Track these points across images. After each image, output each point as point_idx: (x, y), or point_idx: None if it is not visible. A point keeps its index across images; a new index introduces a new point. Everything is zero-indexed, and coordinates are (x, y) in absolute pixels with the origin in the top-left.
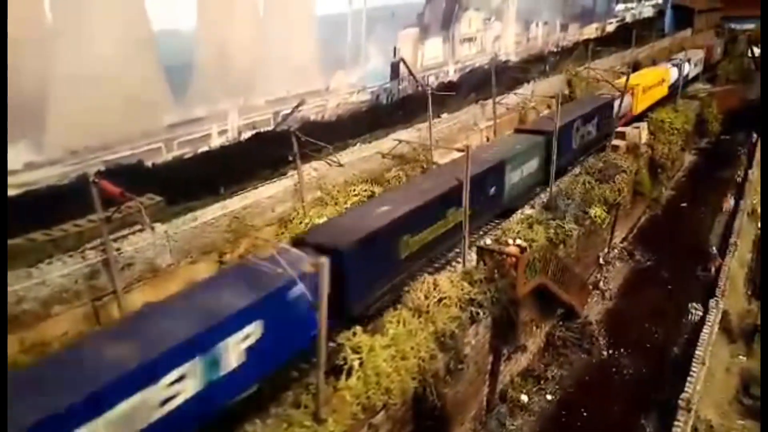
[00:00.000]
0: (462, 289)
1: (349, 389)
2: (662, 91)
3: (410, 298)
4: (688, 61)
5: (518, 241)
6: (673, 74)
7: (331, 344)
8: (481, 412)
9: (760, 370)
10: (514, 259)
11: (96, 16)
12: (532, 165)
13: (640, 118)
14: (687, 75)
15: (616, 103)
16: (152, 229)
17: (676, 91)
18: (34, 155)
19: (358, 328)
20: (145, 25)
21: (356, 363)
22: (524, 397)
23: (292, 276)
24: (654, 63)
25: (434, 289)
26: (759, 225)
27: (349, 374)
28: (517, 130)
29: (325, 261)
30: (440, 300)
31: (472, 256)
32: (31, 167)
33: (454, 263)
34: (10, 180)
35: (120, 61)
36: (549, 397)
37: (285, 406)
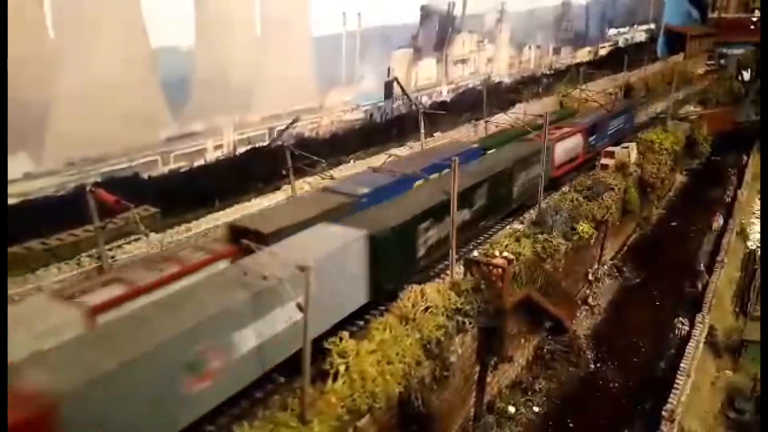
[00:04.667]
0: (449, 299)
1: (334, 392)
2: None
3: (397, 306)
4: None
5: (505, 254)
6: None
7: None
8: (469, 422)
9: (761, 373)
10: (500, 270)
11: (97, 33)
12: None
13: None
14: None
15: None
16: (147, 236)
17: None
18: (33, 166)
19: (345, 334)
20: (144, 42)
21: (342, 367)
22: (512, 409)
23: None
24: (647, 87)
25: (421, 297)
26: (750, 241)
27: (335, 378)
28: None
29: (311, 267)
30: (427, 308)
31: (460, 268)
32: (30, 177)
33: (442, 275)
34: (10, 189)
35: (119, 76)
36: (536, 408)
37: (272, 408)
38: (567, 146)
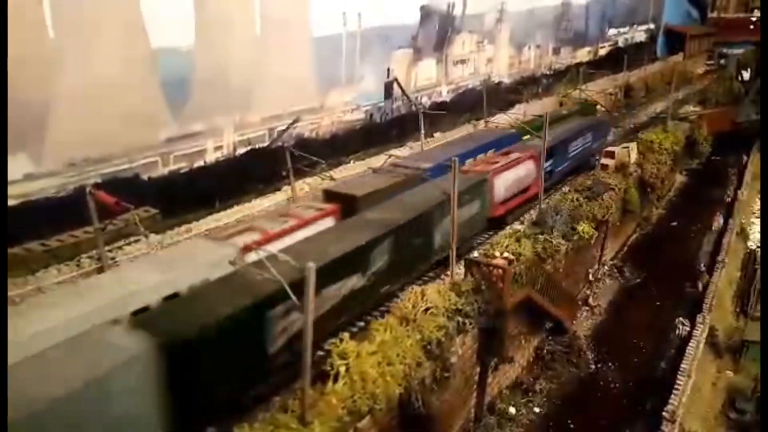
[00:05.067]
0: (449, 300)
1: (335, 394)
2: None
3: (397, 307)
4: None
5: (505, 254)
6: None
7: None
8: (469, 423)
9: (761, 374)
10: (500, 271)
11: (97, 33)
12: None
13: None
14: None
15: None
16: (146, 237)
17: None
18: (33, 167)
19: (345, 335)
20: (144, 42)
21: (342, 368)
22: (512, 409)
23: None
24: (647, 88)
25: (422, 298)
26: (750, 241)
27: (335, 379)
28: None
29: (312, 266)
30: (427, 309)
31: (460, 268)
32: (30, 178)
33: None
34: (10, 190)
35: (119, 76)
36: (537, 409)
37: (272, 410)
38: (513, 177)
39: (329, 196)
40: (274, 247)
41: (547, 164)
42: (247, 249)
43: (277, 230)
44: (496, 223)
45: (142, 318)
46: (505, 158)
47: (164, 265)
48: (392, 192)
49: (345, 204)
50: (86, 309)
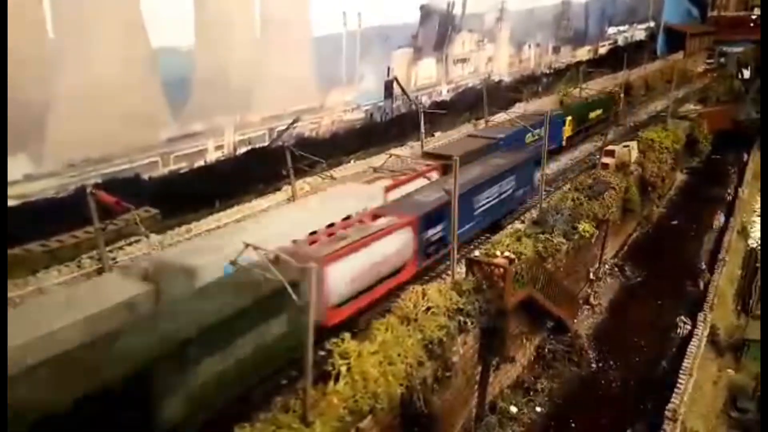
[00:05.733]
0: (450, 299)
1: (336, 393)
2: None
3: (399, 306)
4: None
5: (506, 254)
6: None
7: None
8: (471, 422)
9: (761, 372)
10: (501, 270)
11: (97, 33)
12: None
13: None
14: None
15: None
16: (147, 237)
17: None
18: (33, 167)
19: (347, 335)
20: (144, 42)
21: (344, 368)
22: (514, 409)
23: None
24: (647, 87)
25: (423, 298)
26: (751, 239)
27: (337, 379)
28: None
29: (313, 266)
30: (428, 309)
31: (461, 268)
32: (30, 179)
33: (444, 275)
34: (10, 191)
35: (119, 76)
36: (538, 408)
37: (274, 410)
38: (367, 260)
39: (429, 156)
40: (405, 189)
41: (433, 231)
42: (388, 189)
43: (402, 178)
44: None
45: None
46: (361, 229)
47: (333, 200)
48: (476, 154)
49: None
50: (282, 228)
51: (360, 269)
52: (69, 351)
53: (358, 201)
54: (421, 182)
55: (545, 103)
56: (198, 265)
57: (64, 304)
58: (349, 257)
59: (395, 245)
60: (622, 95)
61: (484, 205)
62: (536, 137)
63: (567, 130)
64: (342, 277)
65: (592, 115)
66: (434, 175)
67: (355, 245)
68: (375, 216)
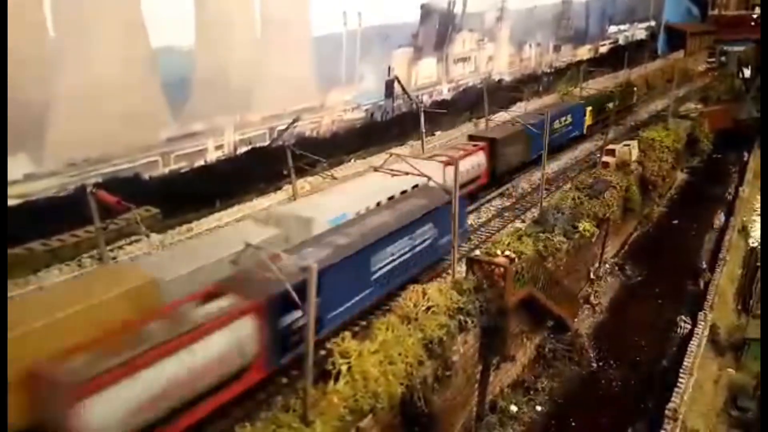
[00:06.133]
0: (451, 298)
1: (337, 393)
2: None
3: (399, 306)
4: None
5: (507, 253)
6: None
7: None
8: (471, 421)
9: (761, 371)
10: (502, 269)
11: (97, 33)
12: None
13: None
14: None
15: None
16: (148, 236)
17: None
18: (34, 167)
19: (347, 334)
20: (144, 41)
21: (344, 368)
22: (514, 408)
23: None
24: (648, 86)
25: (423, 297)
26: (751, 238)
27: (337, 378)
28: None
29: (314, 267)
30: (429, 308)
31: (462, 267)
32: (31, 179)
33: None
34: (11, 191)
35: (119, 76)
36: (539, 407)
37: (274, 409)
38: (175, 373)
39: (474, 139)
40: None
41: (296, 314)
42: (446, 164)
43: (456, 155)
44: None
45: None
46: (175, 323)
47: (389, 180)
48: (515, 137)
49: (489, 143)
50: (367, 190)
51: (159, 388)
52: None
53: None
54: (474, 159)
55: (546, 103)
56: (310, 217)
57: (213, 243)
58: (134, 378)
59: (225, 344)
60: (635, 89)
61: (387, 264)
62: (563, 123)
63: (588, 119)
64: (119, 408)
65: (610, 106)
66: (482, 154)
67: (147, 358)
68: (210, 295)
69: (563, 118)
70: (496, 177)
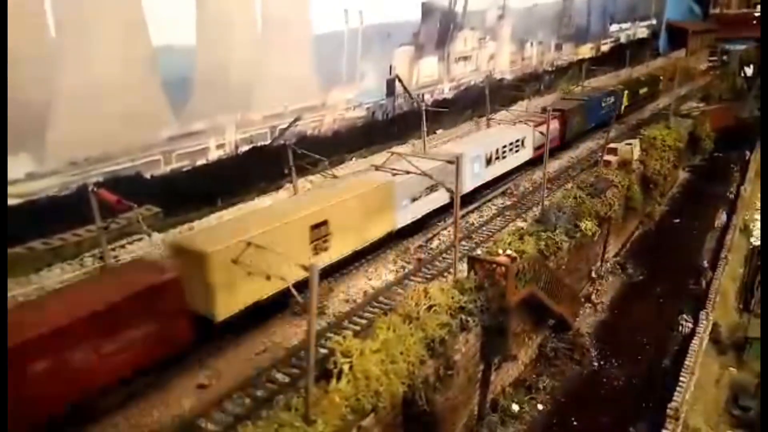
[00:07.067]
0: (452, 297)
1: (338, 392)
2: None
3: (401, 305)
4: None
5: (508, 252)
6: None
7: None
8: (472, 420)
9: (761, 370)
10: (503, 268)
11: (98, 32)
12: None
13: None
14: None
15: None
16: (149, 235)
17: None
18: (35, 166)
19: (349, 333)
20: (145, 41)
21: (346, 367)
22: (516, 407)
23: None
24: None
25: (425, 296)
26: (753, 237)
27: (339, 377)
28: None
29: (316, 266)
30: (430, 307)
31: (463, 266)
32: (32, 178)
33: (445, 273)
34: (12, 190)
35: (120, 75)
36: (540, 406)
37: (275, 408)
38: None
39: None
40: (543, 128)
41: None
42: (536, 126)
43: (539, 122)
44: None
45: None
46: None
47: (503, 129)
48: (577, 110)
49: (561, 113)
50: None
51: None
52: None
53: (519, 132)
54: (553, 125)
55: (547, 101)
56: (461, 152)
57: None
58: None
59: None
60: (660, 77)
61: None
62: (607, 103)
63: (624, 101)
64: None
65: (642, 91)
66: (557, 122)
67: None
68: None
69: (608, 99)
70: (565, 140)
